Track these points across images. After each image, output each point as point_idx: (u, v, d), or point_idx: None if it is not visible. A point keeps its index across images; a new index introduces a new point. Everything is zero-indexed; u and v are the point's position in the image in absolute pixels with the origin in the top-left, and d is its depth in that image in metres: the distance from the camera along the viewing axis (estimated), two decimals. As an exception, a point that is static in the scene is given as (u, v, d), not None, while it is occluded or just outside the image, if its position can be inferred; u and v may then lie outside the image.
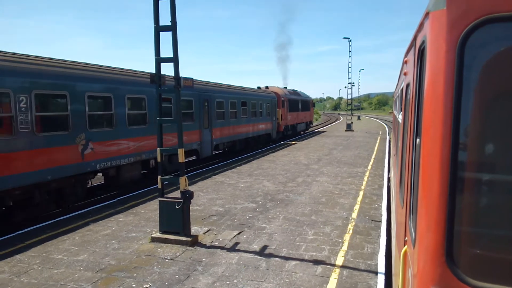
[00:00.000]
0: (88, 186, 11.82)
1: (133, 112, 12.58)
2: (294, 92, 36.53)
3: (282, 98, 30.94)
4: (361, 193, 11.62)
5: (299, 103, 36.15)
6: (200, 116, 17.02)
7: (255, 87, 29.65)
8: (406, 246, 2.61)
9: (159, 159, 7.79)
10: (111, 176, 12.10)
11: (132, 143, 12.45)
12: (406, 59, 3.84)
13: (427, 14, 2.06)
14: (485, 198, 1.89)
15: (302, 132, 38.57)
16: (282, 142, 28.65)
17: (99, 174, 12.26)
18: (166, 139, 13.09)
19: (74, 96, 10.16)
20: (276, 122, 29.58)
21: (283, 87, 34.63)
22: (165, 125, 7.85)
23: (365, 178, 13.90)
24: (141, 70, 14.28)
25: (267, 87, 31.43)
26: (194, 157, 18.52)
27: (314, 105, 45.42)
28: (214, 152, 19.31)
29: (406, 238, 2.68)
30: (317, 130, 44.16)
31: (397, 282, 3.19)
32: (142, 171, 13.68)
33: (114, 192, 12.57)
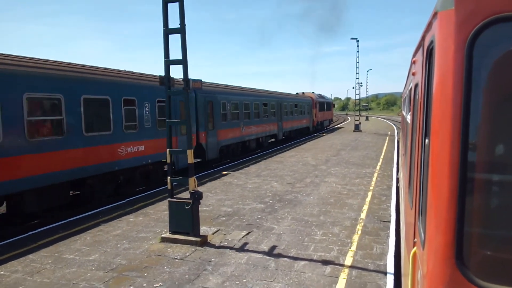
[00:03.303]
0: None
1: (255, 111, 23.32)
2: (321, 96, 46.10)
3: (315, 101, 40.42)
4: (369, 193, 11.57)
5: (324, 104, 45.93)
6: (277, 113, 27.71)
7: (293, 93, 39.64)
8: (415, 247, 2.60)
9: (168, 160, 7.87)
10: (247, 145, 22.70)
11: (255, 128, 23.31)
12: (414, 59, 3.83)
13: (435, 14, 2.05)
14: (494, 199, 1.88)
15: (326, 127, 48.50)
16: (315, 134, 37.78)
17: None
18: (264, 126, 24.97)
19: (241, 103, 21.18)
20: (312, 119, 39.47)
21: (311, 92, 43.87)
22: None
23: (374, 179, 13.83)
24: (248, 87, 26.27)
25: (303, 93, 41.28)
26: (273, 139, 29.13)
27: (334, 105, 58.14)
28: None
29: (415, 239, 2.67)
30: (331, 127, 51.61)
31: (406, 283, 3.19)
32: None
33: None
